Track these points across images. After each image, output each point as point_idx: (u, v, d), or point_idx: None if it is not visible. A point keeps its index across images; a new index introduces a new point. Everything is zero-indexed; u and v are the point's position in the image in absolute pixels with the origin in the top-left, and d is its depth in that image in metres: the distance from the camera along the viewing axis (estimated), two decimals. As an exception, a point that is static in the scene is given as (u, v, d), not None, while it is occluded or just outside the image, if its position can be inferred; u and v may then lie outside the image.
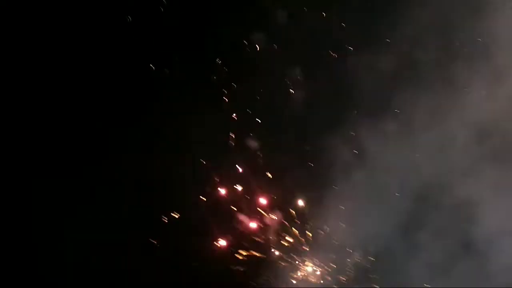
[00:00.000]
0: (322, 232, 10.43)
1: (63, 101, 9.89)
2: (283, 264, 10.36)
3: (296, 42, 10.63)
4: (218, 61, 10.54)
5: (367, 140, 10.38)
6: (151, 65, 10.25)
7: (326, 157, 10.32)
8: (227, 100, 10.55)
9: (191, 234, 10.05)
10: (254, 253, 10.27)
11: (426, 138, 10.26)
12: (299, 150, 10.53)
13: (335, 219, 10.31)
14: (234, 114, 10.54)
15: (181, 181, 10.10)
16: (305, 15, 10.79)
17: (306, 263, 10.43)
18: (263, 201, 10.42)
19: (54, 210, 9.44)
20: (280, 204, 10.44)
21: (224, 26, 10.58)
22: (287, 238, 10.44)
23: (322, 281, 10.40)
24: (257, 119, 10.56)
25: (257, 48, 10.64)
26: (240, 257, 10.20)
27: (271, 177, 10.46)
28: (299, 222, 10.46)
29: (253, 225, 10.33)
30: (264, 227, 10.37)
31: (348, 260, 10.40)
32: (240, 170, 10.43)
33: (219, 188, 10.34)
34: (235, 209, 10.32)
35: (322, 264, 10.42)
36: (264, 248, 10.33)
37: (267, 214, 10.39)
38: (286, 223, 10.45)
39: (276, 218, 10.38)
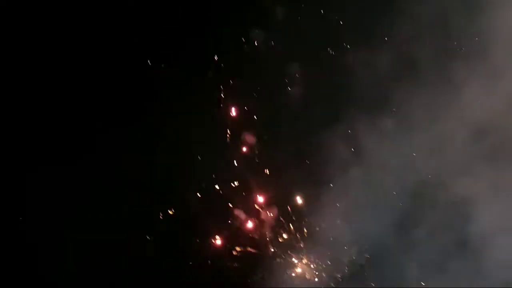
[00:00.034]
0: (318, 229, 10.50)
1: (62, 101, 10.03)
2: (278, 261, 10.48)
3: (293, 40, 10.72)
4: (217, 59, 10.67)
5: (364, 137, 10.43)
6: (149, 62, 10.39)
7: (322, 154, 10.40)
8: (224, 98, 10.69)
9: (187, 231, 10.23)
10: (250, 250, 10.42)
11: (422, 136, 10.28)
12: (296, 148, 10.61)
13: (331, 217, 10.38)
14: (231, 112, 10.69)
15: (177, 178, 10.28)
16: (303, 13, 10.85)
17: (302, 260, 10.54)
18: (259, 198, 10.54)
19: (54, 210, 9.64)
20: (277, 201, 10.55)
21: (224, 26, 10.68)
22: (283, 235, 10.57)
23: (317, 279, 10.51)
24: (254, 116, 10.70)
25: (255, 46, 10.74)
26: (236, 254, 10.36)
27: (267, 174, 10.59)
28: (295, 219, 10.57)
29: (249, 222, 10.46)
30: (260, 224, 10.49)
31: (344, 257, 10.48)
32: (237, 167, 10.57)
33: (215, 185, 10.49)
34: (231, 205, 10.46)
35: (318, 261, 10.53)
36: (260, 245, 10.46)
37: (264, 211, 10.52)
38: (282, 220, 10.59)
39: (272, 215, 10.51)
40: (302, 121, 10.67)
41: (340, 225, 10.39)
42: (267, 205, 10.55)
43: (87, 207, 9.74)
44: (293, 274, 10.49)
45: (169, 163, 10.28)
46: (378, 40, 10.60)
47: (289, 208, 10.59)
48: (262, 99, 10.67)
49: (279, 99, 10.71)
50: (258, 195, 10.54)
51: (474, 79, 10.06)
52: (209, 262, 10.19)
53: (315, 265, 10.53)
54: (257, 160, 10.60)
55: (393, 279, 10.12)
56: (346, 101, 10.53)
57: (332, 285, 10.47)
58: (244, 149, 10.63)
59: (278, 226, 10.57)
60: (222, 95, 10.70)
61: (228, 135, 10.59)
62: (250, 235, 10.47)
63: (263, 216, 10.52)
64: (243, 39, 10.74)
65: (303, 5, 10.84)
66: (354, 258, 10.46)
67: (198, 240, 10.24)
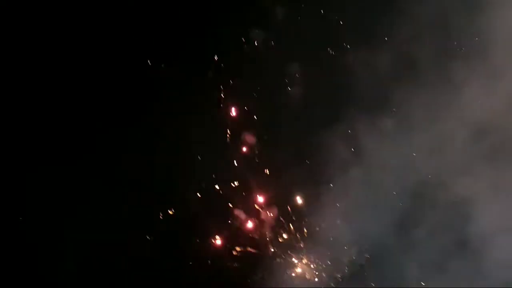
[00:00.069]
0: (318, 229, 10.50)
1: (62, 101, 10.04)
2: (279, 261, 10.48)
3: (293, 40, 10.72)
4: (217, 59, 10.68)
5: (364, 137, 10.44)
6: (149, 61, 10.40)
7: (322, 154, 10.40)
8: (224, 98, 10.71)
9: (187, 231, 10.24)
10: (250, 250, 10.43)
11: (422, 136, 10.28)
12: (296, 148, 10.61)
13: (331, 217, 10.39)
14: (231, 112, 10.70)
15: (177, 178, 10.29)
16: (303, 13, 10.85)
17: (302, 260, 10.55)
18: (259, 198, 10.55)
19: (54, 210, 9.64)
20: (277, 201, 10.56)
21: (224, 26, 10.69)
22: (283, 235, 10.58)
23: (317, 279, 10.52)
24: (254, 116, 10.71)
25: (255, 46, 10.75)
26: (236, 254, 10.37)
27: (267, 174, 10.60)
28: (295, 219, 10.58)
29: (249, 222, 10.47)
30: (260, 224, 10.51)
31: (344, 257, 10.48)
32: (237, 167, 10.58)
33: (215, 185, 10.50)
34: (231, 205, 10.47)
35: (318, 261, 10.53)
36: (260, 245, 10.47)
37: (264, 211, 10.53)
38: (282, 220, 10.60)
39: (272, 215, 10.52)
40: (302, 121, 10.67)
41: (340, 225, 10.40)
42: (267, 205, 10.55)
43: (87, 207, 9.75)
44: (293, 274, 10.50)
45: (169, 163, 10.29)
46: (378, 40, 10.61)
47: (289, 208, 10.59)
48: (262, 99, 10.67)
49: (279, 99, 10.71)
50: (258, 195, 10.54)
51: (474, 79, 10.06)
52: (209, 262, 10.20)
53: (315, 265, 10.53)
54: (257, 160, 10.60)
55: (393, 279, 10.13)
56: (346, 101, 10.53)
57: (332, 285, 10.47)
58: (244, 149, 10.63)
59: (278, 226, 10.57)
60: (222, 95, 10.71)
61: (228, 135, 10.60)
62: (250, 235, 10.47)
63: (263, 216, 10.52)
64: (243, 39, 10.75)
65: (303, 5, 10.86)
66: (354, 258, 10.46)
67: (198, 240, 10.24)
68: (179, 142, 10.35)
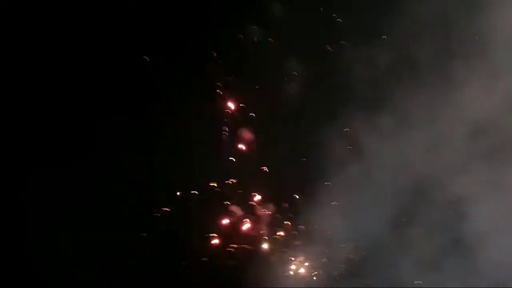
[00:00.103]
0: (315, 227, 10.53)
1: (63, 101, 10.02)
2: (275, 258, 10.51)
3: (293, 40, 10.76)
4: (217, 58, 10.70)
5: (361, 135, 10.52)
6: (149, 62, 10.42)
7: (320, 152, 10.46)
8: (223, 97, 10.73)
9: (187, 231, 10.26)
10: (248, 248, 10.43)
11: (419, 135, 10.34)
12: (294, 146, 10.68)
13: (328, 214, 10.41)
14: (229, 109, 10.73)
15: (173, 176, 10.34)
16: (303, 13, 10.87)
17: (300, 258, 10.57)
18: (256, 195, 10.60)
19: (54, 210, 9.62)
20: (274, 199, 10.60)
21: (224, 26, 10.71)
22: (279, 232, 10.61)
23: (314, 275, 10.55)
24: (251, 113, 10.75)
25: (255, 46, 10.77)
26: (235, 252, 10.37)
27: (265, 172, 10.63)
28: (293, 217, 10.62)
29: (247, 220, 10.51)
30: (258, 222, 10.55)
31: (340, 255, 10.50)
32: (236, 166, 10.62)
33: (214, 184, 10.53)
34: (230, 204, 10.50)
35: (314, 259, 10.56)
36: (258, 243, 10.50)
37: (260, 208, 10.56)
38: (280, 218, 10.61)
39: (269, 213, 10.55)
40: (301, 120, 10.75)
41: (337, 222, 10.40)
42: (265, 203, 10.59)
43: (87, 207, 9.76)
44: (291, 272, 10.53)
45: (169, 163, 10.32)
46: (378, 39, 10.65)
47: (286, 206, 10.63)
48: (262, 98, 10.73)
49: (277, 98, 10.75)
50: (256, 194, 10.59)
51: (473, 79, 10.10)
52: (207, 260, 10.21)
53: (312, 263, 10.56)
54: (255, 159, 10.64)
55: (389, 277, 10.14)
56: (345, 100, 10.57)
57: (329, 283, 10.50)
58: (243, 148, 10.67)
59: (276, 224, 10.60)
60: (221, 94, 10.75)
61: (228, 135, 10.63)
62: (249, 233, 10.50)
63: (261, 214, 10.56)
64: (242, 38, 10.79)
65: (303, 5, 10.88)
66: (350, 255, 10.50)
67: (197, 240, 10.26)
68: (179, 142, 10.39)
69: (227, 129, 10.66)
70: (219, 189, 10.50)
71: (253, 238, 10.50)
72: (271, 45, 10.83)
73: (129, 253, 9.82)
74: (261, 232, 10.53)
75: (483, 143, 10.00)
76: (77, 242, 9.50)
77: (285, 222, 10.61)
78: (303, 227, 10.60)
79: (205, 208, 10.39)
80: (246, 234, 10.49)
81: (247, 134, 10.68)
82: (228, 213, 10.47)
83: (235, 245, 10.36)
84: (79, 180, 9.79)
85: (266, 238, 10.53)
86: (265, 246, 10.52)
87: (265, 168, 10.62)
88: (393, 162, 10.28)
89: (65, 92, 10.08)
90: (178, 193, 10.41)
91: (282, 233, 10.59)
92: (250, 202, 10.57)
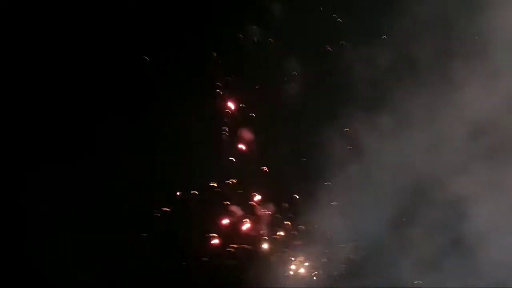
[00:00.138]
0: (315, 227, 10.53)
1: (63, 101, 10.03)
2: (275, 258, 10.51)
3: (293, 40, 10.77)
4: (217, 58, 10.71)
5: (361, 135, 10.53)
6: (149, 62, 10.43)
7: (320, 152, 10.47)
8: (223, 97, 10.74)
9: (187, 231, 10.26)
10: (248, 248, 10.44)
11: (419, 135, 10.35)
12: (294, 146, 10.69)
13: (328, 214, 10.41)
14: (229, 108, 10.73)
15: (173, 176, 10.34)
16: (303, 13, 10.88)
17: (299, 257, 10.57)
18: (256, 195, 10.60)
19: (54, 210, 9.62)
20: (273, 198, 10.61)
21: (224, 26, 10.72)
22: (279, 232, 10.61)
23: (314, 275, 10.55)
24: (251, 113, 10.76)
25: (255, 46, 10.78)
26: (235, 252, 10.37)
27: (265, 172, 10.64)
28: (292, 217, 10.62)
29: (247, 220, 10.51)
30: (258, 222, 10.55)
31: (340, 255, 10.50)
32: (236, 166, 10.63)
33: (214, 184, 10.53)
34: (230, 204, 10.51)
35: (314, 259, 10.55)
36: (258, 243, 10.50)
37: (260, 208, 10.57)
38: (280, 218, 10.62)
39: (269, 213, 10.56)
40: (301, 120, 10.76)
41: (337, 222, 10.40)
42: (265, 203, 10.59)
43: (87, 207, 9.77)
44: (291, 272, 10.54)
45: (169, 163, 10.33)
46: (378, 39, 10.66)
47: (286, 206, 10.63)
48: (262, 98, 10.73)
49: (278, 98, 10.75)
50: (256, 194, 10.60)
51: (473, 79, 10.10)
52: (207, 260, 10.21)
53: (312, 263, 10.56)
54: (255, 159, 10.65)
55: (389, 277, 10.14)
56: (345, 99, 10.58)
57: (329, 283, 10.50)
58: (243, 148, 10.69)
59: (276, 224, 10.60)
60: (221, 94, 10.76)
61: (228, 135, 10.64)
62: (248, 233, 10.51)
63: (261, 214, 10.56)
64: (242, 38, 10.80)
65: (303, 5, 10.88)
66: (350, 255, 10.50)
67: (197, 240, 10.27)
68: (179, 142, 10.40)
69: (227, 129, 10.68)
70: (219, 189, 10.52)
71: (253, 238, 10.52)
72: (271, 45, 10.86)
73: (129, 253, 9.80)
74: (261, 232, 10.55)
75: (483, 143, 10.00)
76: (77, 242, 9.50)
77: (285, 222, 10.62)
78: (303, 227, 10.61)
79: (205, 208, 10.40)
80: (246, 234, 10.51)
81: (247, 134, 10.70)
82: (228, 213, 10.48)
83: (235, 245, 10.37)
84: (79, 180, 9.80)
85: (266, 238, 10.54)
86: (265, 246, 10.53)
87: (265, 168, 10.65)
88: (393, 162, 10.29)
89: (65, 92, 10.09)
90: (178, 193, 10.44)
91: (282, 233, 10.61)
92: (250, 202, 10.58)
